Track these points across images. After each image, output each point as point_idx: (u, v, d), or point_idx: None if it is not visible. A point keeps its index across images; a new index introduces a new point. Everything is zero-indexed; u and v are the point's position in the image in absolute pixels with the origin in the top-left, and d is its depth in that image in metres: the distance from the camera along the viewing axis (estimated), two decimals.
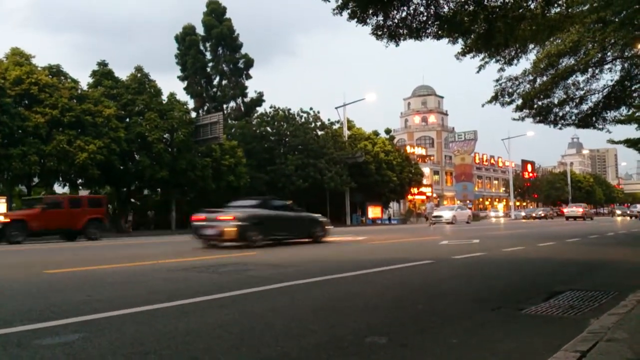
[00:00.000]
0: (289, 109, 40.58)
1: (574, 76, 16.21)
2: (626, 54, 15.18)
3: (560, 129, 19.04)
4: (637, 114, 21.90)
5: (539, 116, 18.01)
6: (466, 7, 8.40)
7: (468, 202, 60.99)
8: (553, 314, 4.24)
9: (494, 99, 16.76)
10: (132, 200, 35.42)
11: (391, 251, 11.30)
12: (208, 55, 44.90)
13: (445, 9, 8.37)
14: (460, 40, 10.00)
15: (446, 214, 35.77)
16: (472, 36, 9.79)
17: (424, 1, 8.15)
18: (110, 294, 5.28)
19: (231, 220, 12.13)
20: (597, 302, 4.69)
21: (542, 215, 57.05)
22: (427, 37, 8.88)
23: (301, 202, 40.64)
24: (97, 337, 3.43)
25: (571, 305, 4.55)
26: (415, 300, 4.98)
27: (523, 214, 58.67)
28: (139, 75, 30.28)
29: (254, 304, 4.72)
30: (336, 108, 44.96)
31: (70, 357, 3.01)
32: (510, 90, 16.59)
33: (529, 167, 72.26)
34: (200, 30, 44.30)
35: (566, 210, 51.98)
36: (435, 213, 35.52)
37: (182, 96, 45.35)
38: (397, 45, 8.84)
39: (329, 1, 7.78)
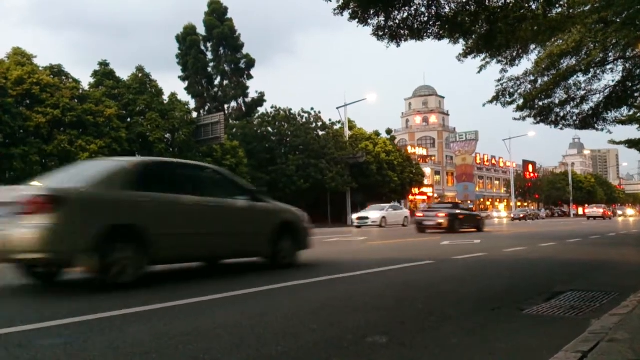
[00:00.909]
0: (290, 109, 40.64)
1: (576, 76, 16.20)
2: (628, 54, 15.17)
3: (561, 129, 19.04)
4: (638, 114, 21.87)
5: (540, 116, 18.01)
6: (467, 7, 8.40)
7: (469, 202, 60.88)
8: (554, 314, 4.23)
9: (495, 99, 16.76)
10: None
11: (391, 251, 11.29)
12: (209, 55, 44.99)
13: (447, 10, 8.37)
14: (461, 41, 10.00)
15: (373, 215, 29.48)
16: (474, 37, 9.79)
17: (425, 2, 8.15)
18: (110, 293, 5.27)
19: (445, 216, 19.78)
20: (598, 303, 4.69)
21: (521, 216, 53.87)
22: (429, 37, 8.88)
23: (302, 203, 40.81)
24: (98, 337, 3.44)
25: (572, 306, 4.55)
26: (415, 300, 4.98)
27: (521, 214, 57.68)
28: (140, 75, 30.33)
29: (254, 303, 4.73)
30: (337, 108, 44.97)
31: (72, 356, 3.01)
32: (512, 90, 16.59)
33: (530, 168, 72.25)
34: (201, 30, 44.40)
35: (588, 210, 56.50)
36: (360, 214, 30.21)
37: (183, 96, 45.44)
38: (398, 46, 8.85)
39: (330, 1, 7.78)
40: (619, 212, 72.06)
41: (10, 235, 5.11)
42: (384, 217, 29.05)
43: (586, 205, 68.53)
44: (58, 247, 5.13)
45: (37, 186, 6.07)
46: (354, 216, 30.95)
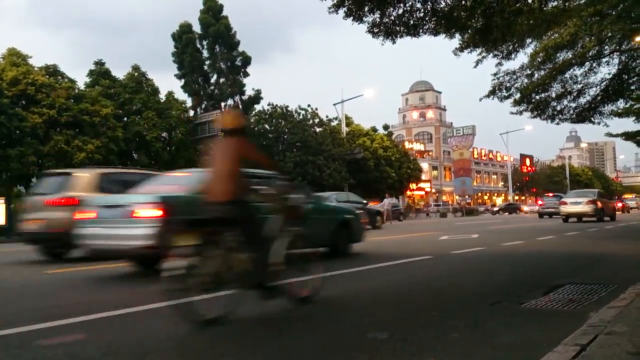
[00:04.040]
0: (287, 106, 40.54)
1: (572, 70, 16.21)
2: (623, 46, 15.18)
3: (557, 124, 19.07)
4: (634, 106, 21.91)
5: (537, 110, 18.03)
6: (463, 2, 8.39)
7: (467, 197, 60.91)
8: (553, 307, 4.25)
9: (492, 93, 16.76)
10: None
11: (390, 247, 11.30)
12: (205, 53, 44.72)
13: (442, 5, 8.36)
14: (457, 36, 9.99)
15: None
16: (470, 31, 9.78)
17: None
18: (110, 294, 5.28)
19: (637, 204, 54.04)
20: (596, 296, 4.70)
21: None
22: (424, 33, 8.87)
23: None
24: (97, 337, 3.43)
25: (571, 299, 4.56)
26: (415, 296, 4.99)
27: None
28: (136, 74, 30.25)
29: (254, 301, 4.71)
30: (334, 104, 44.94)
31: (71, 357, 3.01)
32: (508, 84, 16.60)
33: (528, 161, 72.30)
34: (197, 28, 44.13)
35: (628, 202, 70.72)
36: None
37: (180, 94, 45.18)
38: (394, 42, 8.83)
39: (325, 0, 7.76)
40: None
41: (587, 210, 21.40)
42: None
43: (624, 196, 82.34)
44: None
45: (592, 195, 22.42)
46: None
